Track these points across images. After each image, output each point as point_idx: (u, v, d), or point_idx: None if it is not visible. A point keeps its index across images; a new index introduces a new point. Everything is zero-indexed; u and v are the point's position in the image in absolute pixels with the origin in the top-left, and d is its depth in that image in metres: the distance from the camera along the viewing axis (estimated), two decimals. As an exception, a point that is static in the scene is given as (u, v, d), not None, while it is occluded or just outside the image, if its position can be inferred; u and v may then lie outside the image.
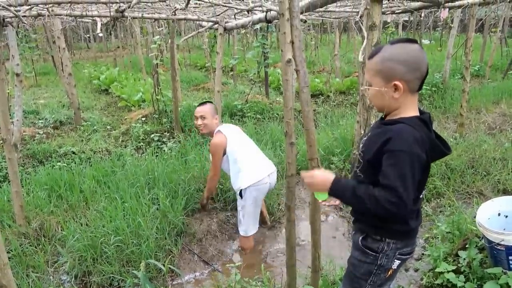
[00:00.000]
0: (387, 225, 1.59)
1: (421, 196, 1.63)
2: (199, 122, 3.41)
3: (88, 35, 20.76)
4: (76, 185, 4.00)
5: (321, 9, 4.60)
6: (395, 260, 1.63)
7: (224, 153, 3.28)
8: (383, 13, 4.99)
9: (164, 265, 2.82)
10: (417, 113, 1.54)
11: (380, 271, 1.64)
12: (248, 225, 3.30)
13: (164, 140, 5.56)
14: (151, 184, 4.01)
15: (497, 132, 5.58)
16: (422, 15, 10.59)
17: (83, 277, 2.97)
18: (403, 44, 1.49)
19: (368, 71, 1.55)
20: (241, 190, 3.21)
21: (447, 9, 6.10)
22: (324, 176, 1.59)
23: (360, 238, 1.67)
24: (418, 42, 1.53)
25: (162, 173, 4.12)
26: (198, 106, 3.48)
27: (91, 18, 5.93)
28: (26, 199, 3.72)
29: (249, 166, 3.23)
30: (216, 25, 4.57)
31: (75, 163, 4.68)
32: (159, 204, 3.58)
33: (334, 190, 1.55)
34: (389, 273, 1.65)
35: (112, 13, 4.01)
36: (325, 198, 1.71)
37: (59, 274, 3.06)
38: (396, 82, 1.47)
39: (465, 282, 2.33)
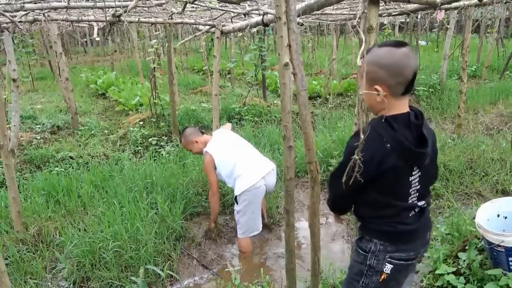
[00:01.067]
0: (374, 226, 1.63)
1: (397, 203, 1.57)
2: (192, 153, 3.77)
3: (85, 40, 20.76)
4: (74, 190, 3.98)
5: (318, 12, 4.61)
6: (386, 264, 1.61)
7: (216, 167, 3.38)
8: (380, 15, 5.00)
9: (163, 270, 2.80)
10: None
11: (371, 273, 1.63)
12: (247, 227, 3.29)
13: (162, 144, 5.55)
14: (149, 188, 4.00)
15: (494, 132, 5.59)
16: (419, 16, 10.62)
17: (82, 283, 2.96)
18: (389, 48, 1.49)
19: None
20: (236, 196, 3.22)
21: (444, 10, 6.12)
22: None
23: (356, 238, 1.73)
24: (409, 44, 1.53)
25: (160, 177, 4.11)
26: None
27: (87, 22, 5.93)
28: (23, 205, 3.70)
29: (243, 172, 3.23)
30: (213, 29, 4.57)
31: (72, 168, 4.66)
32: (157, 209, 3.57)
33: None
34: (382, 277, 1.62)
35: (108, 18, 4.00)
36: None
37: (57, 280, 3.04)
38: (377, 87, 1.50)
39: (465, 284, 2.32)
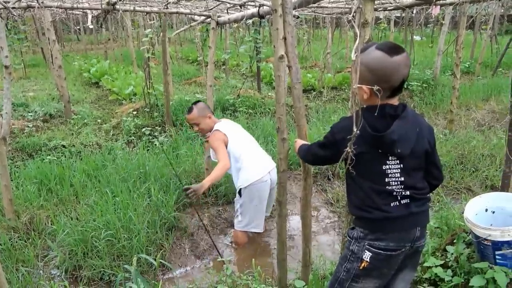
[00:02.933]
0: (357, 213, 1.70)
1: (375, 188, 1.62)
2: (195, 129, 3.42)
3: (78, 27, 20.50)
4: (66, 179, 3.97)
5: (314, 4, 4.60)
6: (365, 251, 1.65)
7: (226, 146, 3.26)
8: (375, 9, 5.00)
9: (155, 260, 2.82)
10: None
11: (353, 259, 1.69)
12: (248, 221, 3.27)
13: (156, 134, 5.53)
14: (143, 178, 4.00)
15: (486, 128, 5.66)
16: (414, 11, 10.64)
17: (74, 271, 2.97)
18: (383, 54, 1.51)
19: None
20: (240, 189, 3.21)
21: (439, 6, 6.14)
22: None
23: (349, 228, 1.80)
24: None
25: (153, 167, 4.11)
26: (186, 113, 3.40)
27: (81, 10, 5.86)
28: (15, 193, 3.69)
29: (249, 164, 3.21)
30: (209, 19, 4.54)
31: (65, 156, 4.64)
32: (150, 199, 3.58)
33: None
34: (363, 265, 1.65)
35: (103, 6, 3.97)
36: None
37: (49, 268, 3.05)
38: (363, 87, 1.54)
39: (452, 277, 2.36)
